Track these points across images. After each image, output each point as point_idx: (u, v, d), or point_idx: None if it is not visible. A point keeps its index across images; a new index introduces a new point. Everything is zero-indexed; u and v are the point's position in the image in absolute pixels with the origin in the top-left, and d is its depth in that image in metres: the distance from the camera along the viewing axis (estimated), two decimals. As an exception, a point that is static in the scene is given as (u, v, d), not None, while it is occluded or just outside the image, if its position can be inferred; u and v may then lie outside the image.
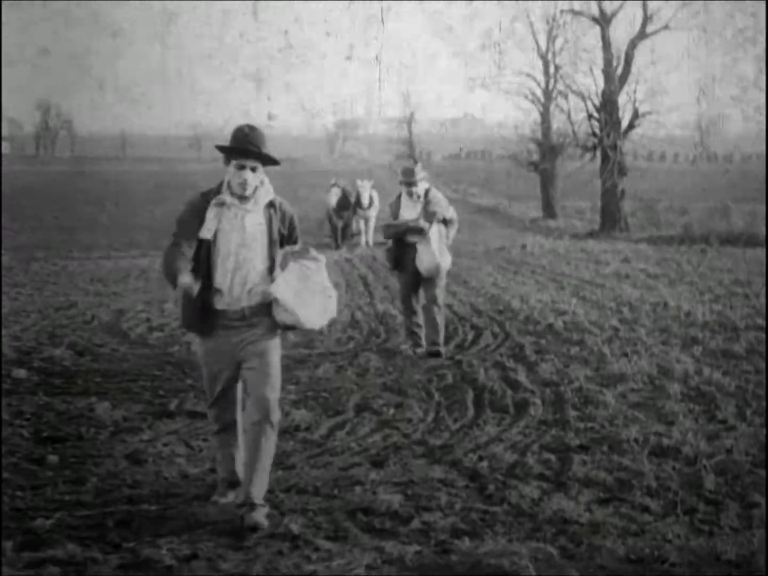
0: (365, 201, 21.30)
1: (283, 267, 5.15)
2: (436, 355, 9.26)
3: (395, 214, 9.54)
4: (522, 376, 8.40)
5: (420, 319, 9.57)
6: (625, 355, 9.26)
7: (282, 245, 5.24)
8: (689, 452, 6.23)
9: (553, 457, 6.22)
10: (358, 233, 21.87)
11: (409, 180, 9.40)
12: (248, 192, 5.08)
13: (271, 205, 5.19)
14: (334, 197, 21.23)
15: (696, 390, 7.94)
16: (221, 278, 5.09)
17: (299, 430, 6.86)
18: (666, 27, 26.43)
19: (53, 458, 6.15)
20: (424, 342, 9.51)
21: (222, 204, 5.08)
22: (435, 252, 9.24)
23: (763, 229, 22.63)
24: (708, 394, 7.77)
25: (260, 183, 5.14)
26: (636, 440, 6.51)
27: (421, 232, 9.34)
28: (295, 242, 5.27)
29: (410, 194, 9.41)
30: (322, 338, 10.21)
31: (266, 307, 5.13)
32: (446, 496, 5.53)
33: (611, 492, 5.61)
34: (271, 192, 5.20)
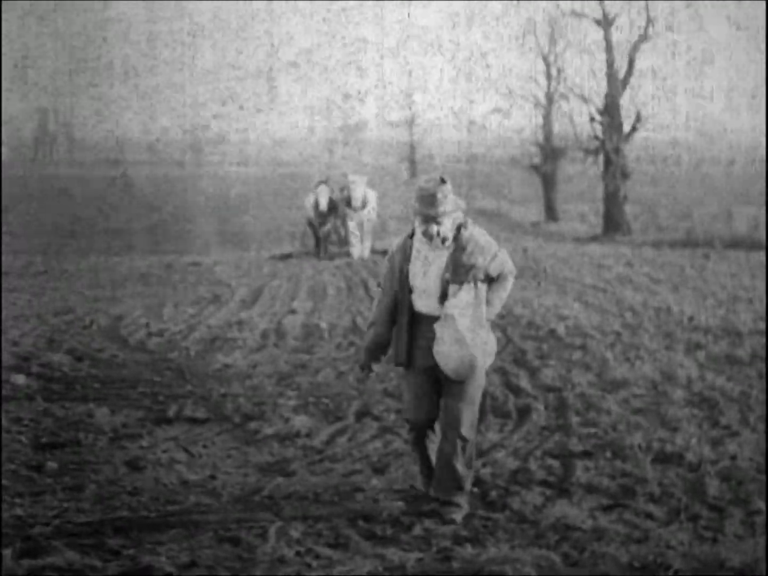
0: (357, 200, 17.79)
1: None
2: (448, 521, 5.27)
3: (400, 269, 5.39)
4: (524, 382, 8.36)
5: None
6: (628, 360, 9.21)
7: None
8: (693, 458, 6.20)
9: (555, 463, 6.19)
10: (348, 243, 18.32)
11: (427, 212, 5.23)
12: None
13: None
14: (322, 197, 18.05)
15: (699, 395, 7.90)
16: None
17: (299, 437, 6.83)
18: (669, 29, 26.44)
19: (52, 465, 6.12)
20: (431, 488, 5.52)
21: None
22: (465, 337, 5.26)
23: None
24: (711, 400, 7.73)
25: None
26: (639, 446, 6.47)
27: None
28: None
29: (429, 235, 5.29)
30: (323, 344, 10.17)
31: None
32: (448, 503, 5.49)
33: (614, 498, 5.58)
34: None
